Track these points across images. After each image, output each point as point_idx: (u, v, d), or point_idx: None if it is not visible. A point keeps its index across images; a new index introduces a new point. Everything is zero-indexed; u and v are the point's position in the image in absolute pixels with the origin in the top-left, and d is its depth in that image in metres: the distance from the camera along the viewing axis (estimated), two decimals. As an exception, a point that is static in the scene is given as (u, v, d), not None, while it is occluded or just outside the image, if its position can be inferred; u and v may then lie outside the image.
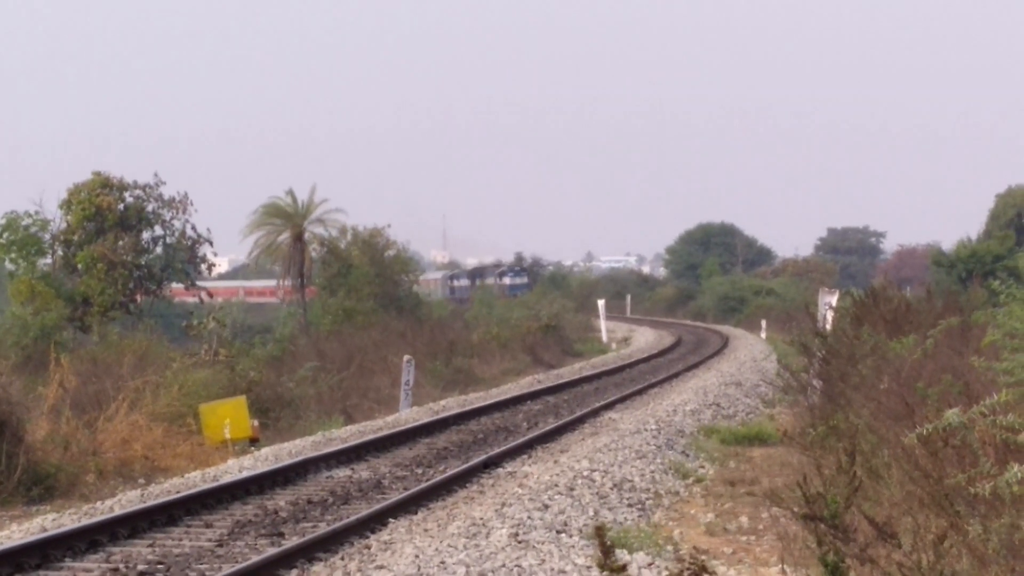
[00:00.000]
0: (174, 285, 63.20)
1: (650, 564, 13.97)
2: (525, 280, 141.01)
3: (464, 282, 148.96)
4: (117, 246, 57.44)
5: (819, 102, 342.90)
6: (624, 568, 3.75)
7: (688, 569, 3.54)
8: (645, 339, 75.56)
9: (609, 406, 34.28)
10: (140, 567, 15.62)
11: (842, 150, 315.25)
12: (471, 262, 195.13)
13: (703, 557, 4.37)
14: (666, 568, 13.76)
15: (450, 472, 22.57)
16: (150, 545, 17.08)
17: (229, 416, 29.58)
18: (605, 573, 3.80)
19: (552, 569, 14.27)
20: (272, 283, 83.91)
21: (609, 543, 3.83)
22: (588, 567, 14.51)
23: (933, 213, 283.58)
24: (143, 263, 59.34)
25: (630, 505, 18.84)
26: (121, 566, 15.68)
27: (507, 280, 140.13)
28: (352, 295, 64.09)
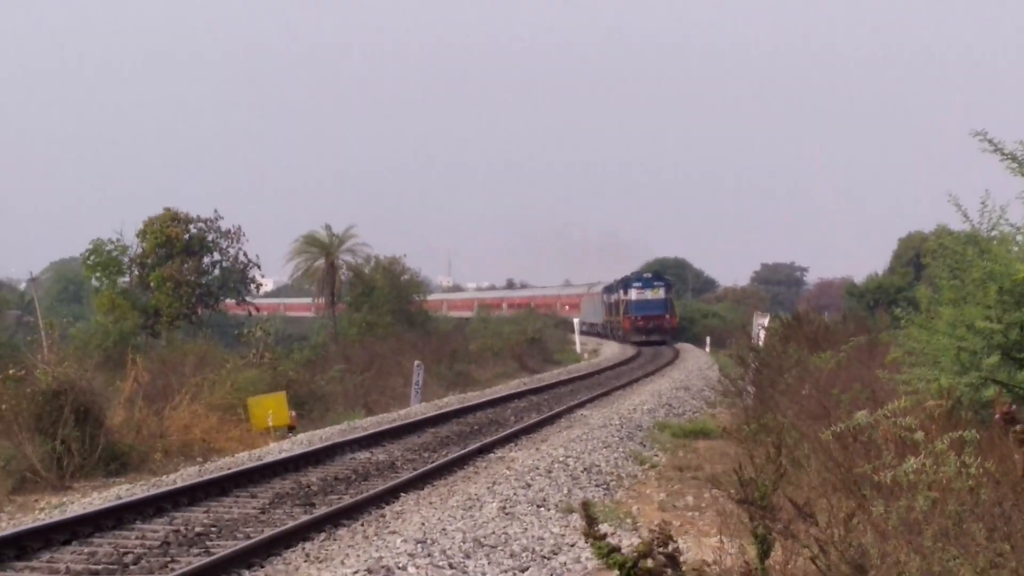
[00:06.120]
0: (228, 300, 63.16)
1: (612, 534, 13.93)
2: (662, 296, 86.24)
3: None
4: (183, 268, 57.59)
5: (755, 156, 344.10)
6: (604, 536, 3.76)
7: (657, 538, 3.55)
8: (611, 351, 75.48)
9: (581, 404, 34.26)
10: (197, 529, 15.63)
11: (774, 198, 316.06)
12: (484, 283, 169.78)
13: (669, 528, 4.37)
14: (636, 535, 13.75)
15: (451, 456, 22.56)
16: (206, 512, 17.09)
17: (272, 408, 29.62)
18: (590, 540, 3.82)
19: (533, 536, 14.27)
20: (308, 300, 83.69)
21: (593, 515, 3.85)
22: (562, 535, 14.52)
23: (847, 252, 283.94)
24: (203, 283, 59.45)
25: (597, 485, 18.84)
26: (182, 528, 15.68)
27: (632, 294, 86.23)
28: (373, 311, 64.16)
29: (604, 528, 14.65)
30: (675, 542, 3.80)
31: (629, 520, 15.50)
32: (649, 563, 3.60)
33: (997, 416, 4.57)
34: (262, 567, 13.48)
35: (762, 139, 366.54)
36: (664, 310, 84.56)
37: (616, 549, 3.86)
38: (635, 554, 3.82)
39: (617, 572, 3.96)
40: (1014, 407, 4.85)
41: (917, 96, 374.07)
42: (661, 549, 3.66)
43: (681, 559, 3.98)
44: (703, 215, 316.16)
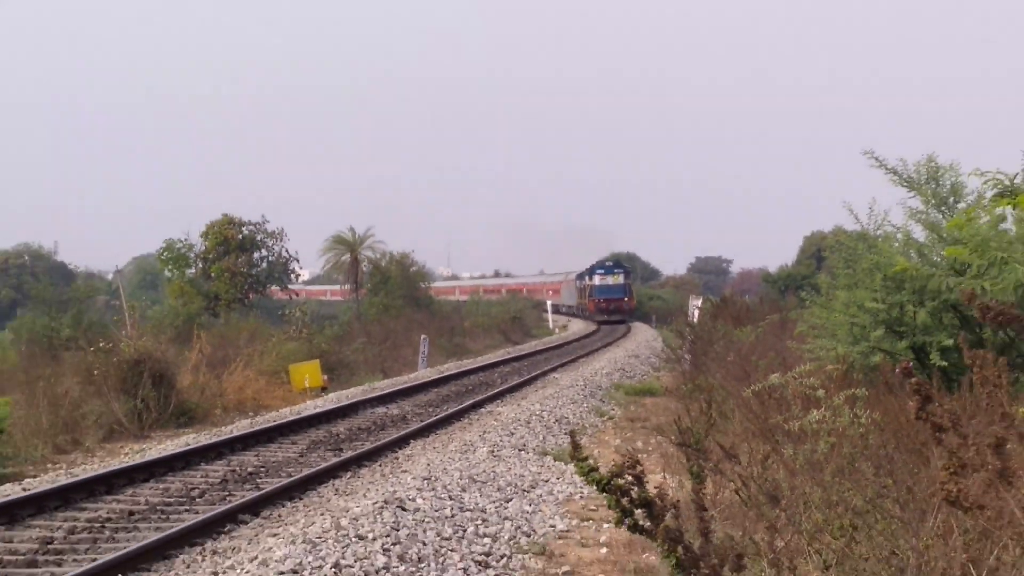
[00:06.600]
0: (273, 288, 63.08)
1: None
2: (621, 281, 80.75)
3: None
4: (237, 262, 57.47)
5: (692, 171, 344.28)
6: (587, 458, 3.80)
7: (627, 460, 3.58)
8: (577, 327, 75.46)
9: (553, 369, 34.30)
10: (249, 469, 15.64)
11: (707, 204, 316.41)
12: (476, 273, 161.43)
13: (639, 455, 4.33)
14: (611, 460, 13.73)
15: (450, 410, 22.57)
16: (256, 455, 17.09)
17: (308, 372, 29.61)
18: (575, 461, 3.84)
19: (516, 474, 14.29)
20: (337, 287, 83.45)
21: (578, 442, 3.89)
22: (539, 472, 14.54)
23: (764, 247, 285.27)
24: (253, 273, 59.28)
25: (566, 433, 18.84)
26: (237, 468, 15.69)
27: (596, 279, 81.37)
28: (389, 296, 64.02)
29: (571, 467, 14.71)
30: (641, 466, 3.81)
31: (591, 460, 15.53)
32: (620, 481, 3.60)
33: (898, 371, 4.57)
34: (301, 499, 13.49)
35: (697, 153, 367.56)
36: (623, 293, 79.58)
37: (595, 469, 3.86)
38: (610, 473, 3.82)
39: (598, 488, 3.96)
40: (909, 365, 4.88)
41: (820, 121, 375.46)
42: (630, 471, 3.67)
43: (646, 480, 3.99)
44: (651, 216, 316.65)
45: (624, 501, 3.52)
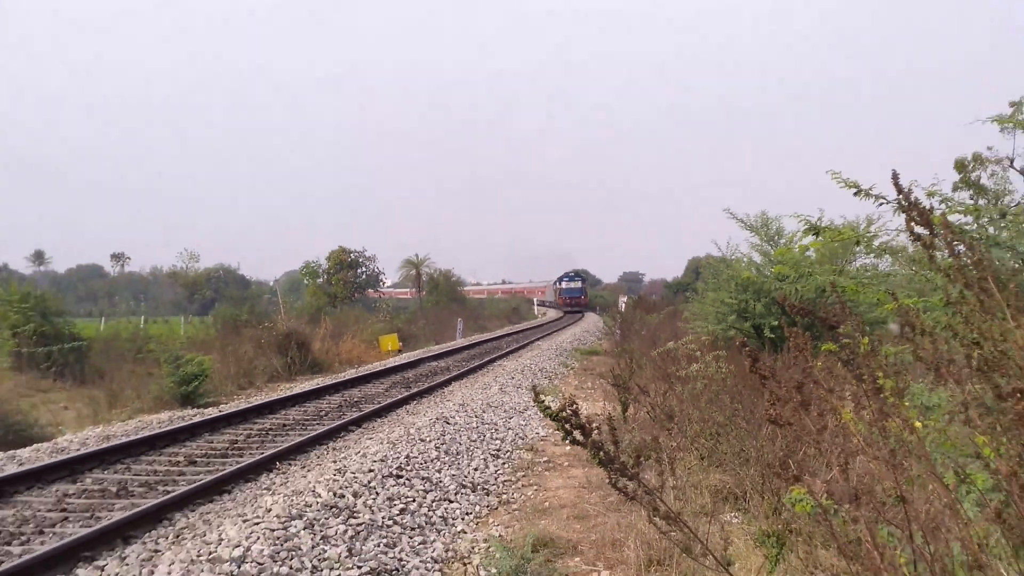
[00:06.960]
0: (369, 290, 63.09)
1: (553, 401, 13.95)
2: (579, 286, 78.26)
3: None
4: (347, 275, 57.66)
5: (621, 210, 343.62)
6: (543, 400, 3.82)
7: (567, 401, 3.59)
8: (552, 315, 75.17)
9: (538, 339, 34.24)
10: (355, 399, 15.59)
11: (630, 236, 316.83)
12: (492, 280, 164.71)
13: (575, 396, 4.34)
14: (557, 401, 13.75)
15: (475, 364, 22.53)
16: (359, 390, 17.04)
17: (390, 341, 29.56)
18: (536, 403, 3.86)
19: (516, 402, 14.28)
20: (407, 290, 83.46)
21: (537, 391, 3.89)
22: (529, 401, 14.54)
23: (665, 265, 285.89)
24: (357, 282, 59.42)
25: (546, 377, 18.86)
26: (347, 399, 15.66)
27: (563, 284, 79.22)
28: (438, 296, 63.86)
29: (546, 398, 14.72)
30: (577, 404, 3.85)
31: (560, 394, 15.56)
32: (564, 413, 3.64)
33: (737, 344, 4.61)
34: (386, 417, 13.47)
35: (625, 204, 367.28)
36: (581, 294, 78.48)
37: (548, 407, 3.90)
38: (558, 409, 3.87)
39: (550, 419, 3.99)
40: (746, 339, 4.94)
41: (700, 184, 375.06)
42: (571, 407, 3.71)
43: (581, 412, 4.03)
44: (598, 243, 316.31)
45: (567, 426, 3.57)
